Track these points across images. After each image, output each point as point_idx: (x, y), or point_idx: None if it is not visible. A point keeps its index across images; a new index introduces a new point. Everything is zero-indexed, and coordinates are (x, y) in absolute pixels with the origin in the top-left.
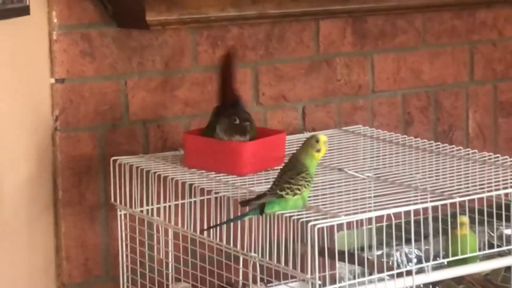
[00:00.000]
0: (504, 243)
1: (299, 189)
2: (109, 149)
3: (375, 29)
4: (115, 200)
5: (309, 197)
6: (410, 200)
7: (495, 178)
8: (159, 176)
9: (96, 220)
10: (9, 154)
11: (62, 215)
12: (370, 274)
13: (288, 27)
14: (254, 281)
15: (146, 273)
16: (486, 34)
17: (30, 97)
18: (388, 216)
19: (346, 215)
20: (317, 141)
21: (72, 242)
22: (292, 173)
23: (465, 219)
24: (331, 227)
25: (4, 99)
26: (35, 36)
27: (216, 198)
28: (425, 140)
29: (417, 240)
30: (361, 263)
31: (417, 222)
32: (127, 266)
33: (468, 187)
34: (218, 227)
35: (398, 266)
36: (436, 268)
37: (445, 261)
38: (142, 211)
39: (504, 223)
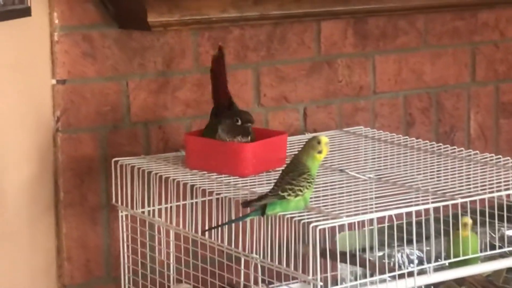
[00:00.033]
0: (506, 244)
1: (300, 190)
2: (111, 150)
3: (376, 30)
4: (117, 201)
5: (311, 198)
6: (411, 201)
7: (496, 179)
8: (160, 177)
9: (98, 221)
10: (11, 155)
11: (64, 216)
12: (372, 275)
13: (290, 28)
14: (256, 282)
15: (148, 274)
16: (488, 35)
17: (32, 98)
18: (390, 217)
19: (347, 216)
20: (319, 142)
21: (73, 243)
22: (294, 174)
23: (469, 220)
24: (333, 228)
25: (6, 100)
26: (37, 37)
27: (217, 199)
28: (426, 141)
29: (419, 241)
30: (362, 264)
31: (418, 223)
32: (128, 267)
33: (469, 188)
34: (219, 228)
35: (400, 267)
36: (438, 269)
37: (447, 262)
38: (143, 212)
39: (505, 224)
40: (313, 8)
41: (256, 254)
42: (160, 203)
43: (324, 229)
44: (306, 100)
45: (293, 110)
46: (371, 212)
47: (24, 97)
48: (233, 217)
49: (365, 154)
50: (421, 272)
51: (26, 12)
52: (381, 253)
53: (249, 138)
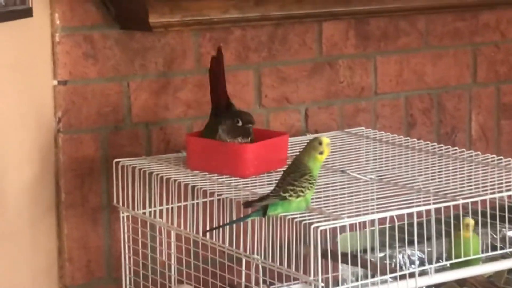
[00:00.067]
0: (507, 245)
1: (302, 191)
2: (112, 151)
3: (377, 31)
4: (118, 202)
5: (312, 199)
6: (413, 202)
7: (498, 180)
8: (161, 178)
9: (99, 222)
10: (12, 155)
11: (65, 217)
12: (373, 276)
13: (291, 29)
14: (257, 283)
15: (149, 275)
16: (489, 36)
17: (33, 99)
18: (391, 218)
19: (349, 217)
20: (320, 143)
21: (74, 244)
22: (295, 175)
23: (471, 220)
24: (334, 229)
25: (7, 100)
26: (38, 38)
27: (218, 200)
28: (428, 142)
29: (420, 242)
30: (363, 265)
31: (420, 224)
32: (129, 268)
33: (471, 189)
34: (220, 229)
35: (401, 268)
36: (439, 270)
37: (448, 263)
38: (144, 213)
39: (507, 225)
40: (314, 9)
41: (257, 255)
42: (161, 204)
43: (326, 230)
44: (307, 101)
45: (294, 111)
46: (373, 213)
47: (25, 98)
48: (234, 218)
49: (366, 155)
50: (423, 273)
51: (27, 13)
52: (382, 254)
53: (250, 139)
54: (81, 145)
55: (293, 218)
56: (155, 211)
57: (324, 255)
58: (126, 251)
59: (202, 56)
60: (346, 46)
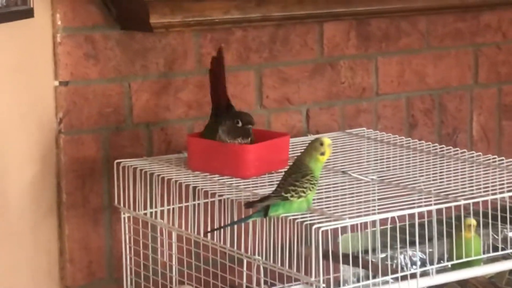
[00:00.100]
0: (509, 246)
1: (304, 192)
2: (113, 151)
3: (379, 31)
4: (119, 202)
5: (313, 200)
6: (414, 203)
7: (499, 180)
8: (162, 178)
9: (100, 222)
10: (13, 156)
11: (66, 218)
12: (374, 277)
13: (292, 30)
14: (258, 284)
15: (150, 276)
16: (490, 36)
17: (34, 100)
18: (392, 218)
19: (350, 218)
20: (321, 144)
21: (75, 245)
22: (297, 175)
23: (473, 221)
24: (335, 229)
25: (8, 101)
26: (39, 39)
27: (219, 200)
28: (429, 143)
29: (421, 243)
30: (365, 266)
31: (421, 225)
32: (130, 268)
33: (472, 190)
34: (221, 230)
35: (402, 269)
36: (440, 271)
37: (449, 264)
38: (145, 214)
39: (508, 226)
40: (315, 9)
41: (258, 255)
42: (162, 205)
43: (327, 230)
44: (308, 102)
45: (295, 112)
46: (374, 213)
47: (27, 99)
48: (236, 219)
49: (367, 155)
50: (424, 274)
51: (28, 13)
52: (383, 255)
53: (250, 139)
54: (82, 145)
55: (294, 219)
56: (156, 211)
57: (325, 256)
58: (127, 251)
59: (203, 57)
60: (348, 46)
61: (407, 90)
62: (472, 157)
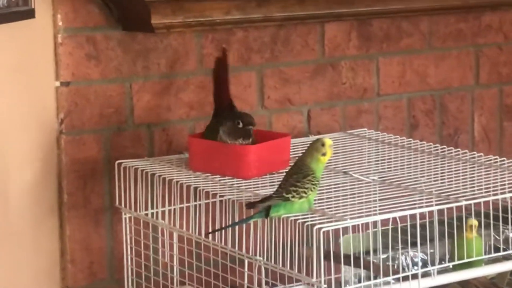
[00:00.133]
0: (510, 247)
1: (305, 192)
2: (114, 152)
3: (380, 32)
4: (120, 203)
5: (314, 200)
6: (415, 204)
7: (500, 181)
8: (164, 179)
9: (101, 223)
10: (14, 157)
11: (67, 218)
12: (376, 277)
13: (293, 30)
14: (259, 285)
15: (151, 277)
16: (492, 37)
17: (35, 100)
18: (394, 219)
19: (351, 218)
20: (323, 144)
21: (77, 245)
22: (298, 176)
23: (475, 221)
24: (337, 230)
25: (9, 101)
26: (40, 39)
27: (221, 201)
28: (430, 144)
29: (423, 243)
30: (366, 267)
31: (422, 226)
32: (131, 269)
33: (473, 190)
34: (223, 230)
35: (404, 270)
36: (442, 271)
37: (451, 264)
38: (147, 214)
39: (510, 226)
40: (317, 10)
41: (259, 256)
42: (163, 205)
43: (328, 231)
44: (310, 102)
45: (297, 112)
46: (375, 214)
47: (28, 99)
48: (237, 219)
49: (368, 156)
50: (425, 275)
51: (30, 14)
52: (385, 256)
53: (250, 140)
54: (84, 146)
55: (295, 219)
56: (157, 212)
57: (326, 257)
58: (128, 252)
59: (205, 57)
60: (349, 47)
61: (408, 91)
62: (474, 157)
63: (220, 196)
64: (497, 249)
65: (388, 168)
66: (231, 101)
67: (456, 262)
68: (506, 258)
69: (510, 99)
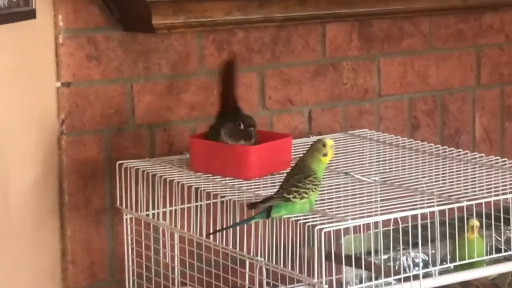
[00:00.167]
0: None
1: (306, 193)
2: (115, 153)
3: (381, 33)
4: (121, 204)
5: (316, 201)
6: (416, 204)
7: (502, 182)
8: (165, 180)
9: (102, 224)
10: (15, 157)
11: (68, 219)
12: (377, 278)
13: (294, 31)
14: (260, 285)
15: (152, 277)
16: (493, 38)
17: (36, 101)
18: (395, 220)
19: (352, 219)
20: (324, 145)
21: (78, 246)
22: (299, 176)
23: (476, 222)
24: (338, 231)
25: (10, 102)
26: (41, 40)
27: (222, 202)
28: (431, 144)
29: (424, 244)
30: (367, 268)
31: (423, 226)
32: (132, 270)
33: (475, 191)
34: (224, 231)
35: (405, 271)
36: (443, 272)
37: (452, 265)
38: (148, 215)
39: (511, 227)
40: (318, 10)
41: (261, 257)
42: (164, 206)
43: (329, 232)
44: (311, 103)
45: (298, 113)
46: (376, 215)
47: (29, 100)
48: (238, 220)
49: (370, 157)
50: (427, 275)
51: (30, 14)
52: (386, 256)
53: (252, 141)
54: (85, 147)
55: (296, 220)
56: (158, 213)
57: (327, 257)
58: (130, 253)
59: (206, 58)
60: (350, 48)
61: (410, 91)
62: (475, 158)
63: (221, 197)
64: (498, 250)
65: (389, 168)
66: (237, 103)
67: (458, 263)
68: (507, 259)
69: (511, 100)
